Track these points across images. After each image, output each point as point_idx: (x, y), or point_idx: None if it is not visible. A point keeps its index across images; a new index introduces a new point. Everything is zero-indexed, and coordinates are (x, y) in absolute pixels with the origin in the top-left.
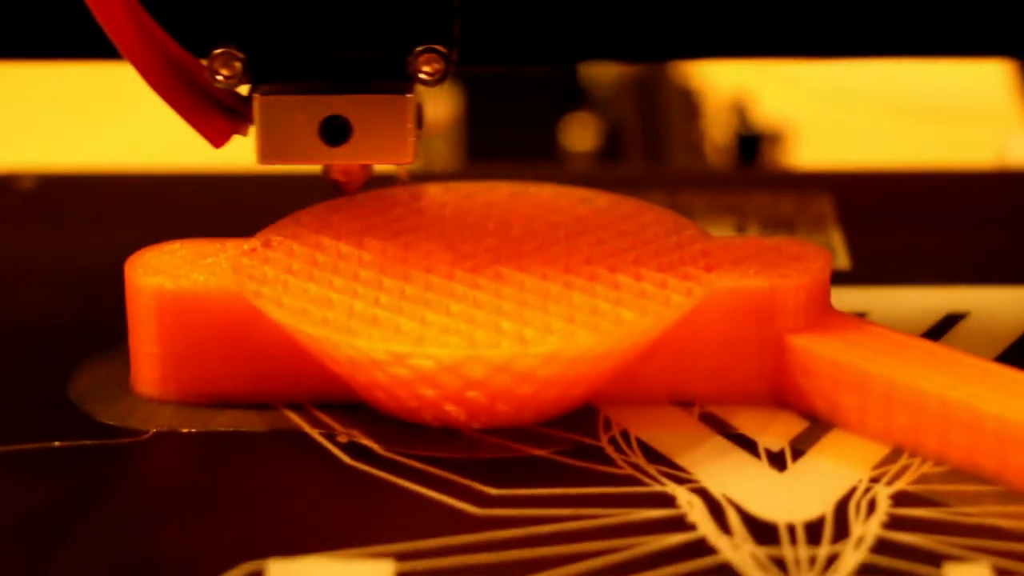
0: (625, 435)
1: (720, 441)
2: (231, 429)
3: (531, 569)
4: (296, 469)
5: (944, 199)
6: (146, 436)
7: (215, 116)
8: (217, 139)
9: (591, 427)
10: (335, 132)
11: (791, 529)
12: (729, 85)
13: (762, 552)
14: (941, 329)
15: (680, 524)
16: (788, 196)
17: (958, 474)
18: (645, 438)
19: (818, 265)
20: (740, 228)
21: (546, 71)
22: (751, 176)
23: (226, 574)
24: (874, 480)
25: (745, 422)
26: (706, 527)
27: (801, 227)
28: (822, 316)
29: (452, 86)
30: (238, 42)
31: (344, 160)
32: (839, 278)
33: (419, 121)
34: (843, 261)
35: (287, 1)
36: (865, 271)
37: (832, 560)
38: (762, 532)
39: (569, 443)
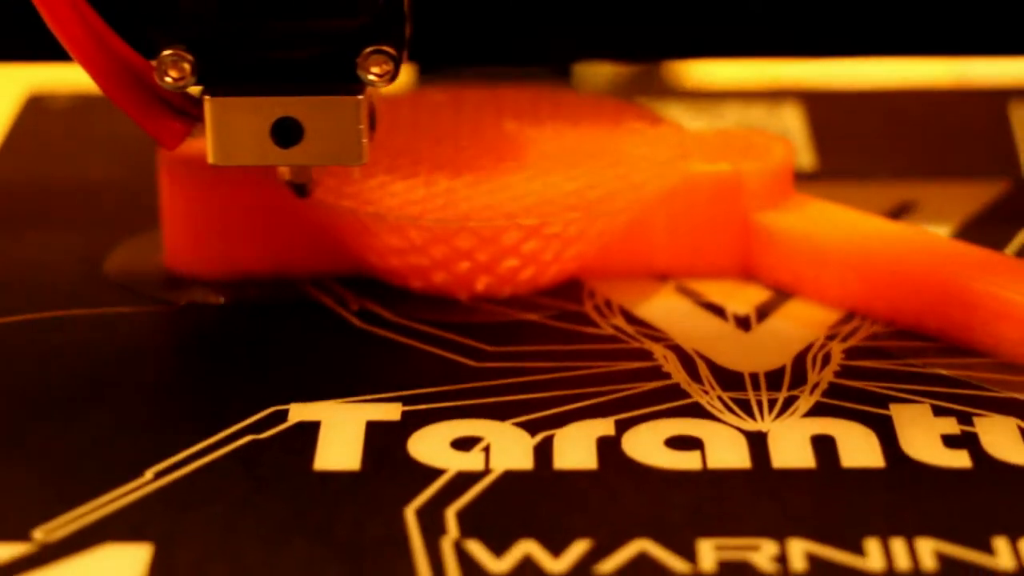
0: (608, 303)
1: (693, 308)
2: (256, 299)
3: (523, 411)
4: (314, 332)
5: (904, 110)
6: (178, 306)
7: (168, 118)
8: (170, 141)
9: (577, 296)
10: (286, 134)
11: (754, 377)
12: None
13: (728, 396)
14: (895, 215)
15: (656, 374)
16: (760, 105)
17: (905, 333)
18: (626, 305)
19: (781, 152)
20: (713, 127)
21: (539, 71)
22: (727, 91)
23: (253, 416)
24: (829, 338)
25: (715, 292)
26: (679, 376)
27: (771, 131)
28: (785, 197)
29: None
30: (187, 43)
31: (296, 162)
32: (804, 175)
33: (372, 122)
34: (808, 160)
35: (235, 1)
36: (828, 169)
37: (790, 402)
38: (729, 380)
39: (557, 309)
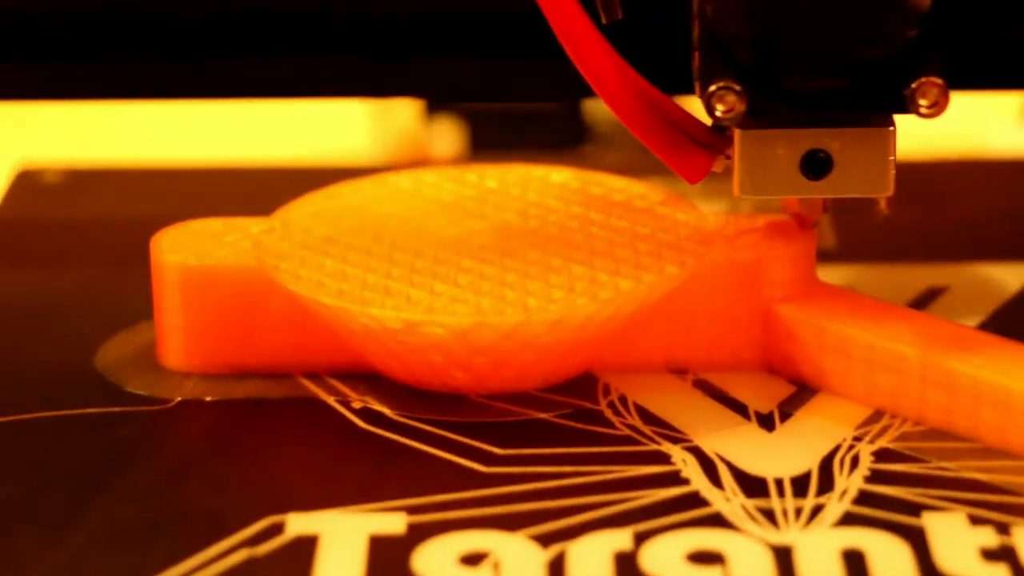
0: (623, 400)
1: (712, 404)
2: (252, 397)
3: (535, 521)
4: (313, 432)
5: (927, 185)
6: (172, 404)
7: (691, 152)
8: (694, 175)
9: (591, 393)
10: (816, 165)
11: (779, 483)
12: None
13: (751, 504)
14: (923, 302)
15: (675, 479)
16: None
17: (936, 432)
18: (642, 402)
19: (803, 238)
20: (733, 211)
21: (549, 106)
22: None
23: (248, 526)
24: (857, 439)
25: (736, 387)
26: (699, 482)
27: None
28: (808, 286)
29: (454, 121)
30: (734, 75)
31: (824, 194)
32: (826, 256)
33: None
34: (830, 241)
35: (782, 35)
36: (851, 250)
37: (817, 511)
38: (752, 486)
39: (570, 407)
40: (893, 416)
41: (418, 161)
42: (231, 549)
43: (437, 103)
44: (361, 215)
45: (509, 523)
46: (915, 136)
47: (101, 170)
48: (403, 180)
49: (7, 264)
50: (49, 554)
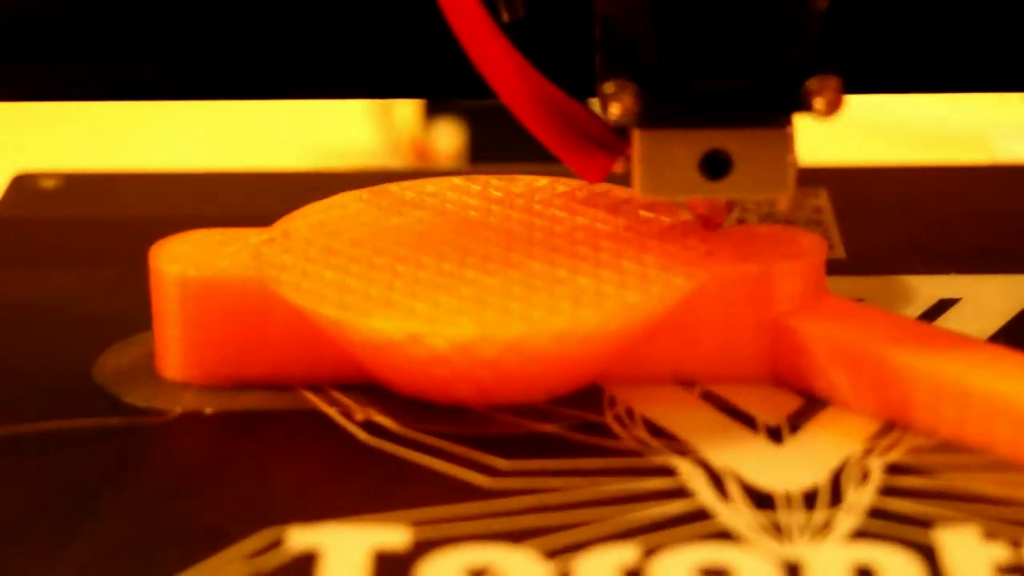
0: (629, 412)
1: (720, 417)
2: (252, 409)
3: (540, 535)
4: (314, 445)
5: (936, 193)
6: (170, 416)
7: (592, 153)
8: (594, 175)
9: (597, 405)
10: (715, 166)
11: (787, 497)
12: None
13: (759, 517)
14: (933, 314)
15: (681, 492)
16: None
17: (948, 446)
18: (648, 415)
19: (813, 250)
20: (739, 221)
21: None
22: None
23: (247, 539)
24: (867, 452)
25: (744, 400)
26: (706, 495)
27: (798, 220)
28: (817, 299)
29: (455, 120)
30: (630, 75)
31: (724, 194)
32: (835, 268)
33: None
34: (839, 252)
35: (681, 36)
36: (860, 262)
37: (827, 524)
38: (760, 499)
39: (576, 420)
40: (904, 430)
41: (419, 161)
42: (230, 563)
43: (437, 103)
44: (363, 226)
45: (514, 537)
46: (920, 141)
47: (99, 175)
48: (406, 190)
49: (2, 271)
50: (45, 572)
